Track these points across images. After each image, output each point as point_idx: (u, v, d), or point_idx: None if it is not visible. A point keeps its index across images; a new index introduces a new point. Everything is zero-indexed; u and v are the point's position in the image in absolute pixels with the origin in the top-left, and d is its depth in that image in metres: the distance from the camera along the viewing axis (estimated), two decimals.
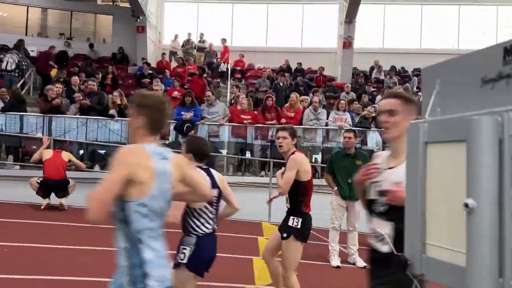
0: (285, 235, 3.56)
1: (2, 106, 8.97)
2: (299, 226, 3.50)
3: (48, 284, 4.04)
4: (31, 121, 9.17)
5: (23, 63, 11.82)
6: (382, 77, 15.07)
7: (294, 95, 9.58)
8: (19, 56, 11.73)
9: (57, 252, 5.07)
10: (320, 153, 9.19)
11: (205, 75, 12.60)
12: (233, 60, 15.74)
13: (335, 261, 5.39)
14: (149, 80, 11.81)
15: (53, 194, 7.35)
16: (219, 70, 15.21)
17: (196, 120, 9.08)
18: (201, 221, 2.86)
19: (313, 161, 9.22)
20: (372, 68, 15.81)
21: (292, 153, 3.55)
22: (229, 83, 14.13)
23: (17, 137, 8.94)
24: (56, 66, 12.57)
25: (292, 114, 9.27)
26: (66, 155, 7.52)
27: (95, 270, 4.36)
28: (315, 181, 8.46)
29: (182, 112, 9.05)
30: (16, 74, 11.49)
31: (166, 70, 13.49)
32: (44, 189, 7.17)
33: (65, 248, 5.22)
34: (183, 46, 16.35)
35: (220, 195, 2.94)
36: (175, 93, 10.61)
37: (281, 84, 12.14)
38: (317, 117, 9.12)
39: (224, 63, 15.71)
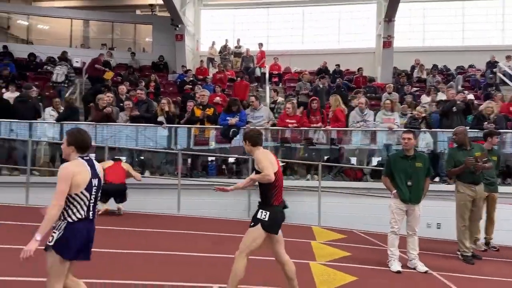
0: (252, 224, 3.80)
1: (57, 116, 9.47)
2: (266, 219, 3.70)
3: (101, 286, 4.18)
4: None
5: (71, 74, 12.46)
6: (424, 76, 14.83)
7: (332, 98, 9.58)
8: (68, 67, 12.39)
9: (114, 256, 5.25)
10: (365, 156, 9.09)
11: (246, 77, 12.76)
12: (269, 64, 15.83)
13: (396, 266, 5.33)
14: (190, 86, 12.12)
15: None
16: (255, 75, 15.39)
17: (242, 125, 9.15)
18: (72, 208, 3.00)
19: (364, 164, 9.13)
20: (413, 67, 15.58)
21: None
22: (267, 87, 14.28)
23: None
24: (108, 70, 13.07)
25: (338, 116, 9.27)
26: (125, 165, 7.94)
27: (145, 272, 4.52)
28: (369, 184, 8.59)
29: (228, 118, 9.19)
30: (66, 85, 12.16)
31: (208, 77, 13.77)
32: (104, 194, 7.50)
33: (123, 253, 5.39)
34: (220, 52, 16.69)
35: (100, 184, 3.12)
36: (217, 99, 10.87)
37: (321, 86, 12.16)
38: (364, 118, 9.09)
39: (260, 67, 15.89)
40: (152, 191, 8.66)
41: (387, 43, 15.08)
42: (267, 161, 3.74)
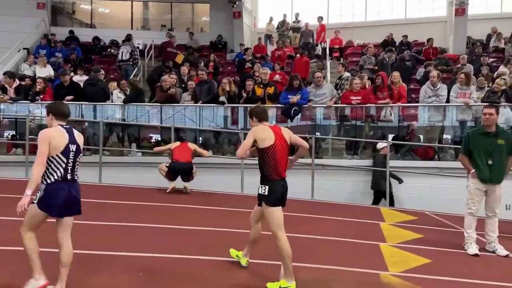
0: (257, 203, 3.95)
1: (124, 98, 9.84)
2: (266, 193, 3.81)
3: (179, 261, 4.36)
4: (145, 110, 9.93)
5: (135, 53, 12.86)
6: (502, 45, 13.68)
7: (396, 73, 9.14)
8: (132, 46, 12.82)
9: (184, 232, 5.43)
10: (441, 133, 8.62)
11: (305, 53, 12.41)
12: (329, 38, 15.36)
13: (473, 249, 5.14)
14: (250, 65, 12.08)
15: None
16: (315, 50, 15.01)
17: (304, 103, 9.08)
18: (50, 170, 3.34)
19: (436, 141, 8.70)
20: (489, 36, 14.42)
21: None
22: (328, 62, 13.91)
23: (137, 126, 9.78)
24: (180, 52, 13.46)
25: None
26: (191, 145, 8.17)
27: (215, 249, 4.65)
28: (441, 164, 8.21)
29: (289, 96, 9.10)
30: (131, 63, 12.61)
31: (266, 54, 13.65)
32: (172, 172, 7.79)
33: (192, 229, 5.54)
34: (278, 28, 16.42)
35: (79, 150, 3.47)
36: (277, 77, 10.82)
37: (387, 60, 11.63)
38: (436, 93, 8.59)
39: (320, 43, 15.47)
40: (216, 170, 8.86)
41: (460, 10, 14.04)
42: (250, 138, 3.88)
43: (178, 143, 8.13)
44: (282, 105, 9.17)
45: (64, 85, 9.64)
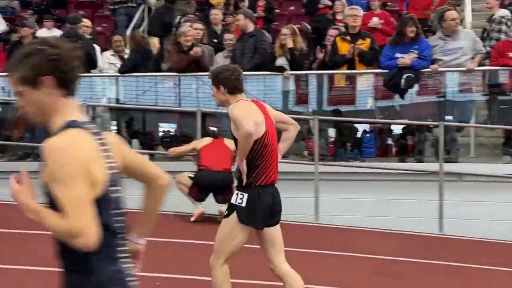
0: (226, 212, 4.53)
1: (120, 65, 9.65)
2: (243, 204, 4.25)
3: None
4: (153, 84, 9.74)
5: None
6: None
7: None
8: None
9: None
10: None
11: None
12: None
13: None
14: (328, 2, 11.12)
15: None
16: None
17: (423, 66, 8.65)
18: None
19: None
20: None
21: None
22: None
23: (140, 111, 9.66)
24: None
25: None
26: (230, 143, 7.98)
27: None
28: None
29: (398, 54, 8.72)
30: (134, 4, 12.32)
31: None
32: (200, 188, 7.70)
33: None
34: None
35: None
36: (375, 21, 10.17)
37: None
38: None
39: None
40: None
41: None
42: (247, 116, 4.15)
43: (208, 140, 8.10)
44: (385, 70, 8.85)
45: (23, 44, 9.32)
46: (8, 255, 6.31)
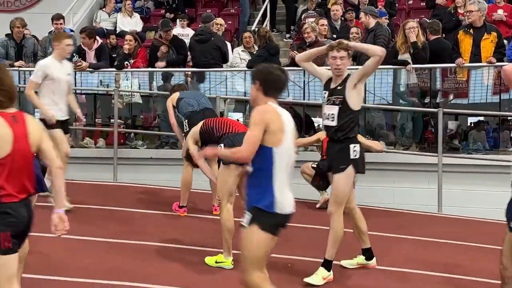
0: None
1: (248, 59, 9.81)
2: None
3: None
4: None
5: None
6: None
7: None
8: None
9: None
10: None
11: None
12: None
13: None
14: None
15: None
16: None
17: None
18: None
19: None
20: None
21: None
22: None
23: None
24: None
25: None
26: None
27: None
28: None
29: None
30: None
31: None
32: (322, 177, 7.57)
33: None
34: None
35: None
36: (499, 13, 9.79)
37: None
38: None
39: None
40: (391, 174, 8.72)
41: None
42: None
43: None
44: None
45: (164, 43, 10.04)
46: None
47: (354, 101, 5.23)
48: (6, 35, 10.52)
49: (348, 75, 5.27)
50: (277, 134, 3.78)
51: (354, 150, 5.23)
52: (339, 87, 5.23)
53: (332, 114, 5.22)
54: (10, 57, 10.25)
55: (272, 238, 3.84)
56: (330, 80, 5.36)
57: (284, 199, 3.82)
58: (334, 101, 5.24)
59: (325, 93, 5.41)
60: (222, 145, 5.50)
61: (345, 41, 5.47)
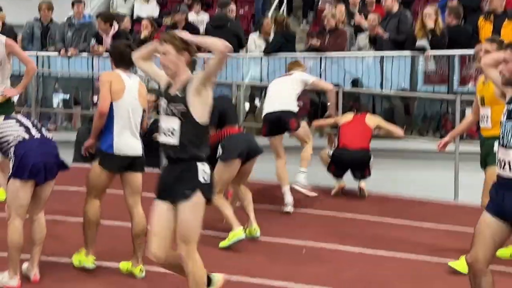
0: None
1: (265, 46, 9.83)
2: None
3: None
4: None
5: None
6: None
7: None
8: None
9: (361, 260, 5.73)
10: None
11: None
12: None
13: None
14: None
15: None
16: None
17: None
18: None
19: None
20: None
21: None
22: None
23: None
24: None
25: None
26: (372, 120, 8.04)
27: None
28: None
29: None
30: None
31: None
32: (337, 164, 7.73)
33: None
34: None
35: None
36: None
37: None
38: None
39: None
40: (411, 162, 8.76)
41: None
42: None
43: (350, 116, 8.04)
44: None
45: (178, 28, 10.06)
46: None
47: (199, 112, 3.99)
48: (36, 19, 10.77)
49: (192, 78, 4.05)
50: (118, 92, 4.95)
51: (204, 171, 3.99)
52: (179, 94, 4.02)
53: (173, 128, 4.00)
54: (36, 39, 10.54)
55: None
56: (170, 85, 4.16)
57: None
58: (173, 111, 4.02)
59: (163, 100, 4.18)
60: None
61: (176, 33, 4.22)
